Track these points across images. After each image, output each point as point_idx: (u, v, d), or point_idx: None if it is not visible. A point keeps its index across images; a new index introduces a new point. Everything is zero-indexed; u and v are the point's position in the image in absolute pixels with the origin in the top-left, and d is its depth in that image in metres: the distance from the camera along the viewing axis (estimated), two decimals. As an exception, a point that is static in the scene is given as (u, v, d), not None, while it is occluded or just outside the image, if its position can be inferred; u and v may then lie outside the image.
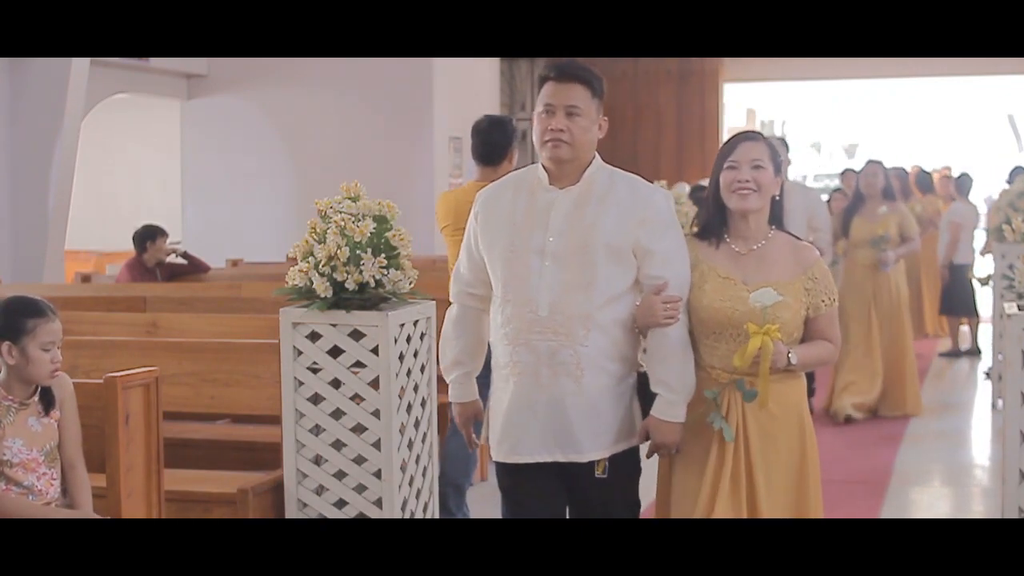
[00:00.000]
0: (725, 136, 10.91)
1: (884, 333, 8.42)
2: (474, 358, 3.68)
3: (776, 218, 3.66)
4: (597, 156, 3.55)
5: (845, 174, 12.61)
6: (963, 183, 11.49)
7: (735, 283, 3.55)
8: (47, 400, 3.56)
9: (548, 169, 3.51)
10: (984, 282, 9.84)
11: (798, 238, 3.69)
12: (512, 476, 3.56)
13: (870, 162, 8.74)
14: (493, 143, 5.24)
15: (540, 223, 3.48)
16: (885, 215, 8.30)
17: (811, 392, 8.26)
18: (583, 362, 3.43)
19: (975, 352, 10.89)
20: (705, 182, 7.09)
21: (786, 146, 8.15)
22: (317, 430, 4.11)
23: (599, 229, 3.44)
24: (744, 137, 3.64)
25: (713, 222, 3.63)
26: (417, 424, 4.23)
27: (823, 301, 3.59)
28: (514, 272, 3.47)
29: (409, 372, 4.16)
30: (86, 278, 8.16)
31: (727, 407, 3.55)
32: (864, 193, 8.47)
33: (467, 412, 3.72)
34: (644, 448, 3.62)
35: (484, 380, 3.68)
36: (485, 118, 5.34)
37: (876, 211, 8.30)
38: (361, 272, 3.94)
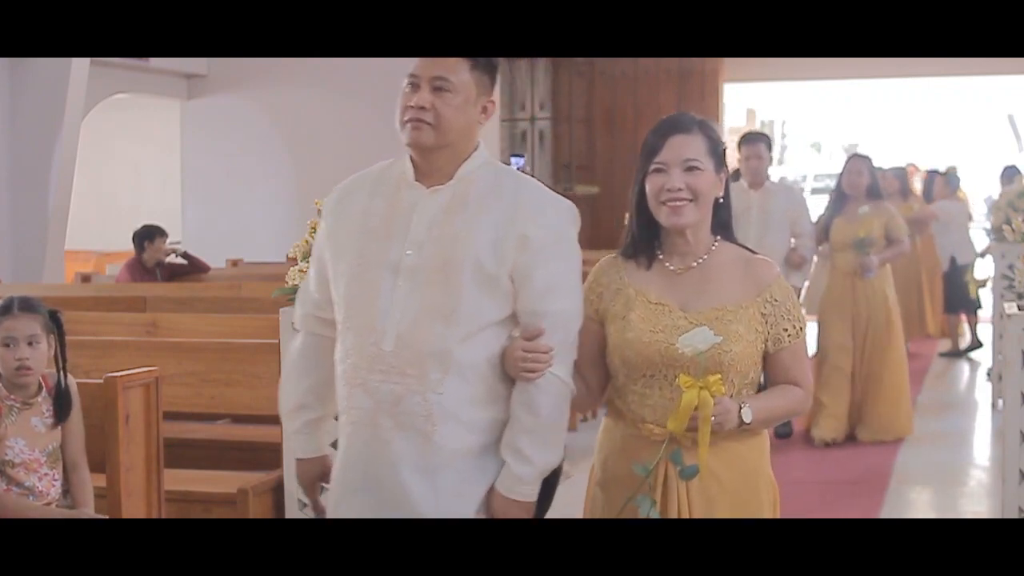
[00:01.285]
0: (725, 137, 10.81)
1: (869, 348, 7.51)
2: (324, 401, 2.89)
3: (722, 224, 2.88)
4: (482, 149, 2.79)
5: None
6: (950, 180, 11.49)
7: (670, 310, 2.78)
8: (61, 406, 3.54)
9: (414, 161, 2.74)
10: (981, 284, 9.84)
11: (751, 251, 2.90)
12: None
13: (855, 157, 7.80)
14: None
15: (398, 230, 2.72)
16: (867, 215, 7.43)
17: (787, 434, 7.58)
18: (436, 414, 2.64)
19: (976, 346, 10.88)
20: None
21: (769, 144, 7.57)
22: (317, 430, 4.11)
23: (470, 243, 2.66)
24: (672, 128, 2.81)
25: (641, 237, 2.86)
26: (417, 424, 4.22)
27: (786, 330, 2.79)
28: (358, 292, 2.71)
29: (409, 372, 4.15)
30: (86, 278, 8.16)
31: (661, 485, 2.74)
32: (847, 192, 7.56)
33: (312, 471, 2.97)
34: None
35: None
36: None
37: (859, 212, 7.48)
38: (361, 272, 3.93)
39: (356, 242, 2.74)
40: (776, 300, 2.81)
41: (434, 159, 2.72)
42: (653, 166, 2.80)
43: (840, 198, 7.65)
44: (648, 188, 2.81)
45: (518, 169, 6.21)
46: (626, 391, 2.82)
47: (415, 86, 2.69)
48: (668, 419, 2.65)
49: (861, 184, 7.54)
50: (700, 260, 2.84)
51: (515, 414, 2.70)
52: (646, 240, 2.87)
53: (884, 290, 7.62)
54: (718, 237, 2.88)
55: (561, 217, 2.75)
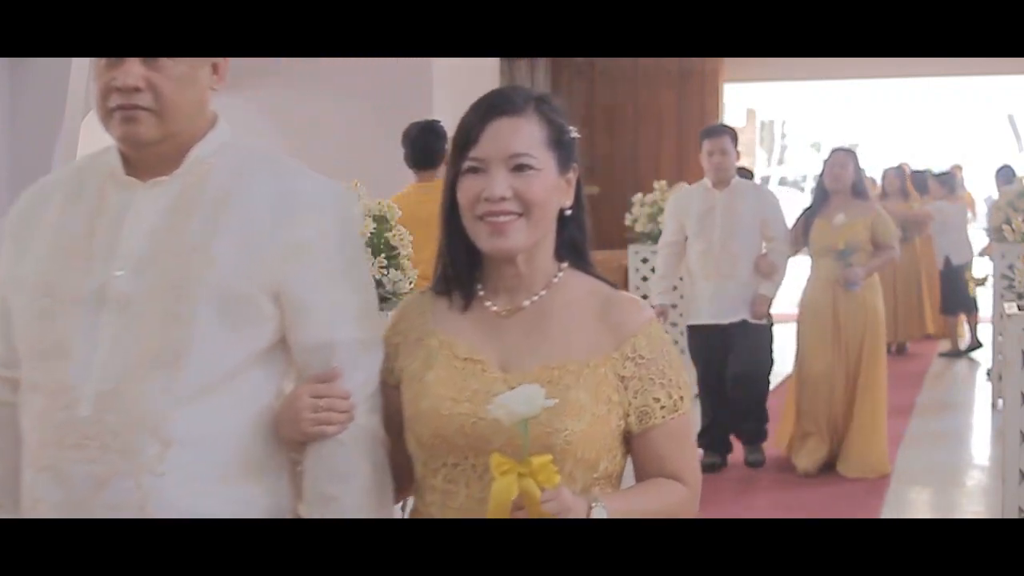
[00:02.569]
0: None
1: (851, 368, 6.64)
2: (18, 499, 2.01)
3: (573, 246, 2.05)
4: (223, 125, 2.11)
5: None
6: (947, 181, 11.50)
7: (484, 369, 1.96)
8: None
9: (124, 153, 2.00)
10: (980, 283, 9.84)
11: (612, 284, 2.06)
12: None
13: (838, 151, 6.90)
14: (426, 148, 5.29)
15: (102, 246, 1.95)
16: (849, 222, 6.56)
17: (760, 435, 6.86)
18: (153, 504, 1.88)
19: (976, 346, 10.89)
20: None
21: (734, 137, 6.73)
22: (317, 430, 4.10)
23: (208, 255, 1.92)
24: (494, 107, 1.98)
25: (455, 266, 2.03)
26: (417, 424, 4.21)
27: (657, 400, 1.96)
28: (44, 336, 1.94)
29: (409, 372, 4.14)
30: (86, 278, 8.15)
31: None
32: (829, 187, 6.70)
33: None
34: None
35: None
36: (413, 125, 5.39)
37: (842, 212, 6.62)
38: (361, 272, 3.93)
39: (43, 267, 1.96)
40: (644, 357, 1.97)
41: (154, 146, 1.97)
42: (468, 164, 1.95)
43: (822, 196, 6.75)
44: (461, 196, 1.97)
45: None
46: (424, 487, 2.00)
47: (114, 65, 1.93)
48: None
49: (845, 178, 6.64)
50: (535, 298, 2.00)
51: (315, 492, 1.96)
52: (461, 270, 2.03)
53: (873, 303, 6.66)
54: (565, 264, 2.04)
55: (348, 212, 2.06)
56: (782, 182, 23.05)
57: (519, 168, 1.95)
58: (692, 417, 2.07)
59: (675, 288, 7.41)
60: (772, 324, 6.87)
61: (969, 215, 12.52)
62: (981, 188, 18.61)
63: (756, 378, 6.80)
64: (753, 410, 6.84)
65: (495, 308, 2.03)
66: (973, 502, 6.51)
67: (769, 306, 6.71)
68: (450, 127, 5.72)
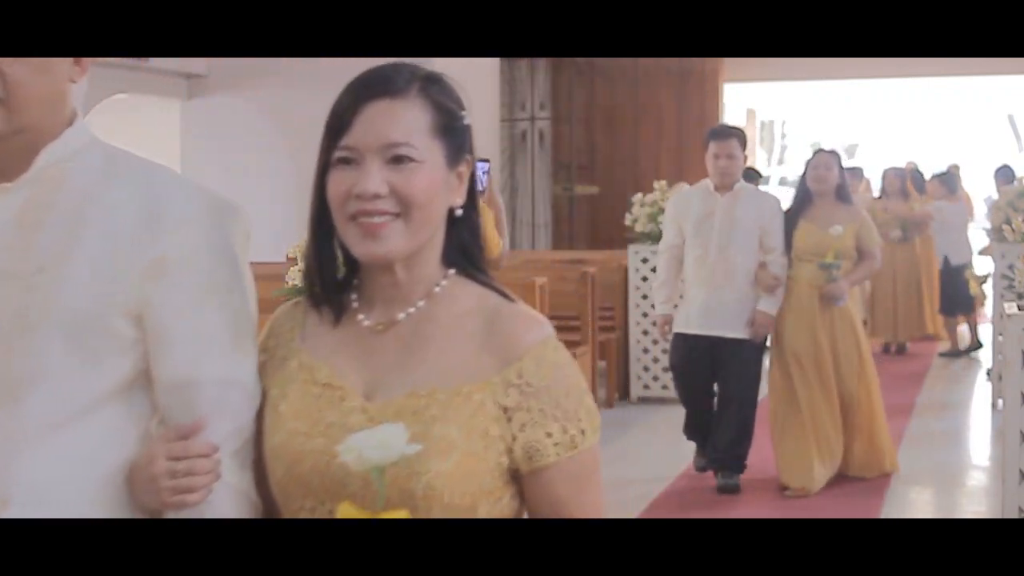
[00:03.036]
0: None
1: (838, 378, 6.39)
2: None
3: (463, 252, 1.73)
4: (82, 123, 1.77)
5: (851, 172, 12.59)
6: (949, 181, 11.51)
7: (344, 397, 1.67)
8: None
9: None
10: (983, 281, 9.84)
11: (507, 296, 1.71)
12: None
13: (821, 152, 6.62)
14: None
15: None
16: (838, 234, 6.28)
17: (739, 466, 6.42)
18: None
19: (976, 346, 10.89)
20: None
21: (743, 140, 6.35)
22: (317, 430, 4.10)
23: (58, 275, 1.65)
24: (366, 90, 1.67)
25: (324, 274, 1.73)
26: (417, 424, 4.22)
27: (550, 435, 1.63)
28: None
29: (409, 372, 4.14)
30: (86, 278, 8.15)
31: None
32: (812, 190, 6.46)
33: None
34: None
35: None
36: None
37: (827, 216, 6.36)
38: (361, 272, 3.93)
39: None
40: (531, 385, 1.63)
41: (1, 148, 1.68)
42: (338, 154, 1.66)
43: (805, 197, 6.49)
44: (329, 192, 1.67)
45: (483, 174, 5.88)
46: None
47: None
48: None
49: (830, 180, 6.42)
50: (411, 310, 1.70)
51: None
52: (330, 278, 1.73)
53: (852, 310, 6.55)
54: (451, 271, 1.72)
55: (224, 227, 1.72)
56: (782, 182, 23.04)
57: (397, 160, 1.64)
58: (598, 453, 1.72)
59: (683, 296, 6.71)
60: (766, 340, 6.46)
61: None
62: (981, 188, 18.60)
63: (743, 399, 6.33)
64: (738, 433, 6.34)
65: (368, 322, 1.71)
66: (973, 502, 6.51)
67: (771, 324, 6.32)
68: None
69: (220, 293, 1.71)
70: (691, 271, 6.45)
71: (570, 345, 8.27)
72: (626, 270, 9.28)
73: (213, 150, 11.63)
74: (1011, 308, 4.39)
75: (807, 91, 20.05)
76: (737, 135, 6.42)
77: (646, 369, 9.24)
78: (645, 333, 9.12)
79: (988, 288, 10.11)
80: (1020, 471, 4.27)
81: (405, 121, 1.65)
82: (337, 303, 1.73)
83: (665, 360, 7.65)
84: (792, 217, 6.42)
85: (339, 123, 1.66)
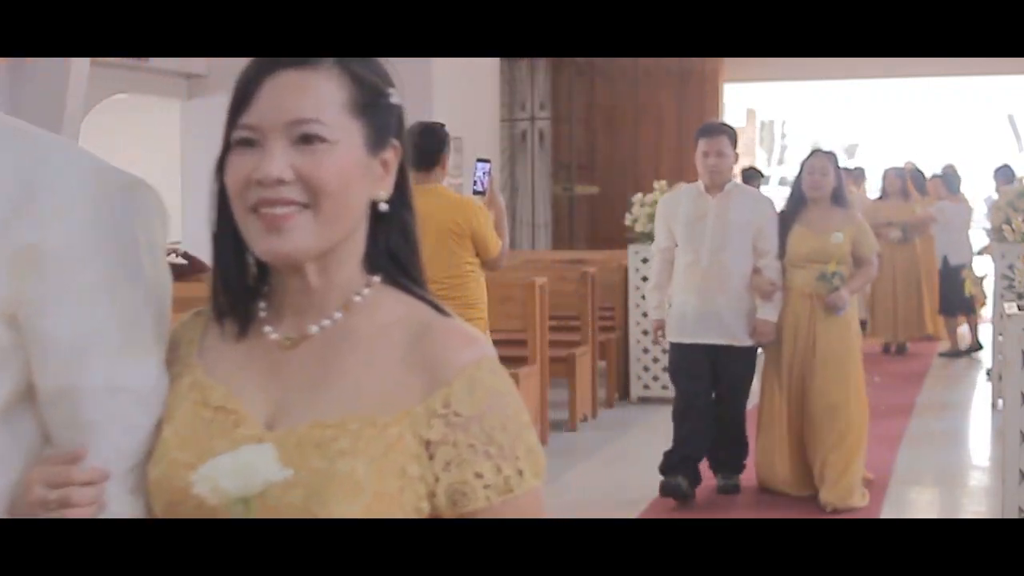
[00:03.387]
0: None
1: (829, 388, 6.03)
2: None
3: (390, 255, 1.48)
4: None
5: (852, 172, 12.58)
6: (950, 181, 11.52)
7: (238, 423, 1.42)
8: None
9: None
10: (980, 280, 9.83)
11: (441, 309, 1.46)
12: None
13: (817, 154, 6.32)
14: (424, 149, 5.27)
15: None
16: (839, 242, 6.02)
17: (739, 466, 6.36)
18: None
19: (976, 348, 10.90)
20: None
21: (733, 138, 6.13)
22: (317, 430, 4.11)
23: None
24: (271, 62, 1.47)
25: (226, 278, 1.49)
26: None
27: (480, 475, 1.38)
28: None
29: (409, 372, 4.15)
30: (86, 278, 8.15)
31: None
32: (808, 195, 6.15)
33: None
34: None
35: None
36: (416, 124, 5.39)
37: (824, 220, 6.09)
38: (361, 272, 3.94)
39: None
40: (460, 415, 1.37)
41: None
42: (237, 133, 1.43)
43: (800, 201, 6.19)
44: (228, 178, 1.43)
45: (484, 174, 5.88)
46: None
47: None
48: None
49: (825, 186, 6.11)
50: (326, 322, 1.44)
51: None
52: (233, 282, 1.49)
53: (851, 320, 6.19)
54: (376, 278, 1.47)
55: (121, 208, 1.45)
56: (782, 182, 23.05)
57: (305, 139, 1.39)
58: (540, 499, 1.46)
59: (671, 304, 6.49)
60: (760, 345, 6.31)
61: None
62: (981, 188, 18.61)
63: (738, 404, 6.28)
64: (734, 437, 6.32)
65: (275, 336, 1.45)
66: (973, 502, 6.51)
67: (773, 331, 6.10)
68: (451, 127, 5.75)
69: (113, 288, 1.42)
70: (683, 277, 6.17)
71: (570, 345, 8.28)
72: (626, 270, 9.29)
73: (213, 150, 11.54)
74: (1011, 308, 4.39)
75: (807, 91, 20.04)
76: (727, 132, 6.18)
77: (646, 369, 9.25)
78: (645, 333, 9.12)
79: (988, 287, 10.10)
80: (1020, 471, 4.27)
81: (316, 95, 1.40)
82: (243, 313, 1.47)
83: (665, 360, 7.65)
84: (786, 220, 6.14)
85: (240, 98, 1.45)
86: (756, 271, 6.07)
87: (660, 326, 6.39)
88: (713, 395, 6.28)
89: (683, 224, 6.19)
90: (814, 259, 6.02)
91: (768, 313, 6.07)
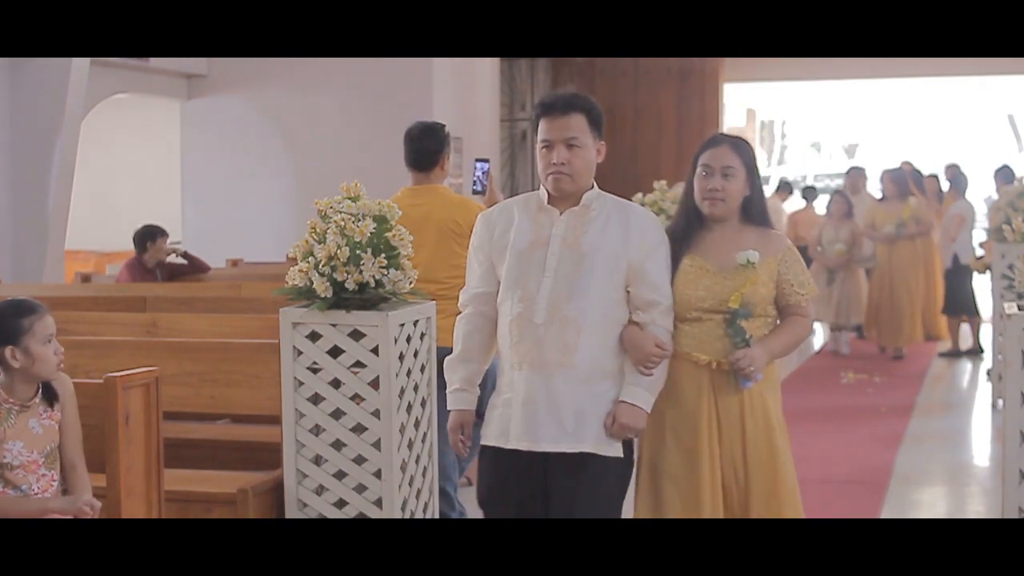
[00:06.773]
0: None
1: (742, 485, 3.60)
2: None
3: None
4: None
5: (850, 173, 12.54)
6: (958, 181, 11.52)
7: None
8: (49, 396, 3.57)
9: None
10: (982, 271, 9.79)
11: None
12: None
13: (719, 139, 3.70)
14: (424, 150, 5.26)
15: None
16: (746, 263, 3.54)
17: None
18: None
19: (977, 351, 10.90)
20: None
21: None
22: (317, 430, 4.11)
23: None
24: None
25: None
26: (417, 424, 4.23)
27: None
28: None
29: (409, 372, 4.16)
30: (86, 278, 8.16)
31: None
32: (702, 209, 3.60)
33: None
34: None
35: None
36: (417, 125, 5.36)
37: (726, 248, 3.52)
38: (361, 272, 3.95)
39: None
40: None
41: None
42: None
43: (694, 219, 3.76)
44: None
45: (483, 174, 5.88)
46: None
47: None
48: None
49: (730, 195, 3.65)
50: None
51: None
52: None
53: (766, 401, 3.67)
54: None
55: None
56: (782, 183, 23.04)
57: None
58: None
59: (483, 384, 3.84)
60: (632, 450, 3.57)
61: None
62: (981, 188, 18.62)
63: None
64: None
65: None
66: (973, 502, 6.51)
67: (643, 424, 3.46)
68: (451, 127, 5.74)
69: None
70: (505, 339, 3.64)
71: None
72: (626, 270, 9.25)
73: (213, 150, 11.62)
74: (1011, 308, 4.38)
75: (807, 91, 20.05)
76: (579, 107, 3.90)
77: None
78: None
79: (987, 286, 10.10)
80: (1020, 471, 4.26)
81: None
82: None
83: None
84: (672, 248, 3.70)
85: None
86: (633, 328, 3.62)
87: (463, 423, 3.71)
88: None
89: (511, 253, 3.72)
90: (714, 308, 3.65)
91: (637, 396, 3.56)
